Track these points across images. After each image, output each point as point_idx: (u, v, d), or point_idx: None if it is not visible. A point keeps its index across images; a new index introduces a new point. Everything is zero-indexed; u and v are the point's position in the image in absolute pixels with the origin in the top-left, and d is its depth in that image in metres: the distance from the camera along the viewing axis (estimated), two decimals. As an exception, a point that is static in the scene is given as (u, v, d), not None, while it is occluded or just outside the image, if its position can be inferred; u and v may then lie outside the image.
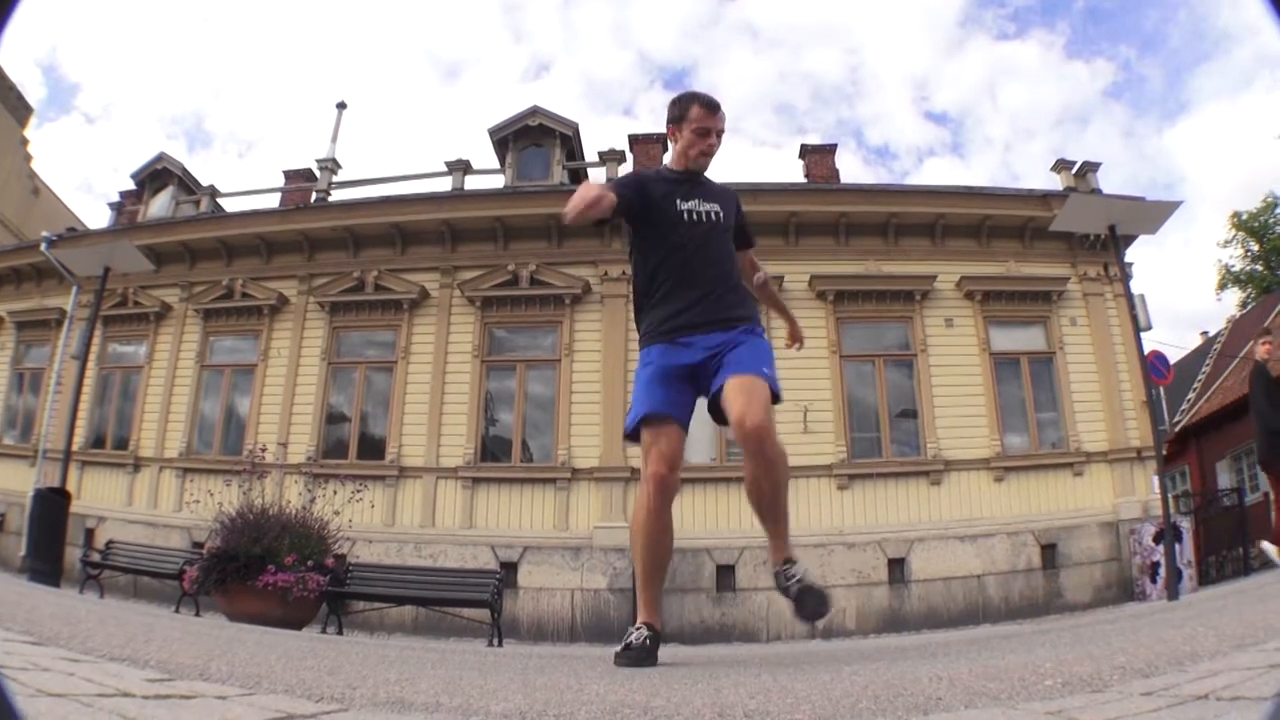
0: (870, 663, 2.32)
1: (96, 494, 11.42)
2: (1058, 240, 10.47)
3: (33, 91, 59.18)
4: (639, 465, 10.27)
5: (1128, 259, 9.72)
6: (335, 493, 7.73)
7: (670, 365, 2.68)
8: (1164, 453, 9.01)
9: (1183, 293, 51.49)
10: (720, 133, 2.85)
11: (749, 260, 3.06)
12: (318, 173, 13.12)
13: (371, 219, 11.65)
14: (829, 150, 12.89)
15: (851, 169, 66.05)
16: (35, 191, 18.06)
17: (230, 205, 13.61)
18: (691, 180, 2.84)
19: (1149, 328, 9.87)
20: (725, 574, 9.56)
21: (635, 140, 12.34)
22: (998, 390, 10.44)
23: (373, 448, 10.83)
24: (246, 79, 75.68)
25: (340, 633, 7.24)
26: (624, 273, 10.82)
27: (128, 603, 8.11)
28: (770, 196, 10.77)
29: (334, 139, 13.93)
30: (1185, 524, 10.64)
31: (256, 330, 11.69)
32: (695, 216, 2.76)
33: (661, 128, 2.92)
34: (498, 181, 12.35)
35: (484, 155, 19.65)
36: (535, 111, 12.47)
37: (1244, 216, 26.19)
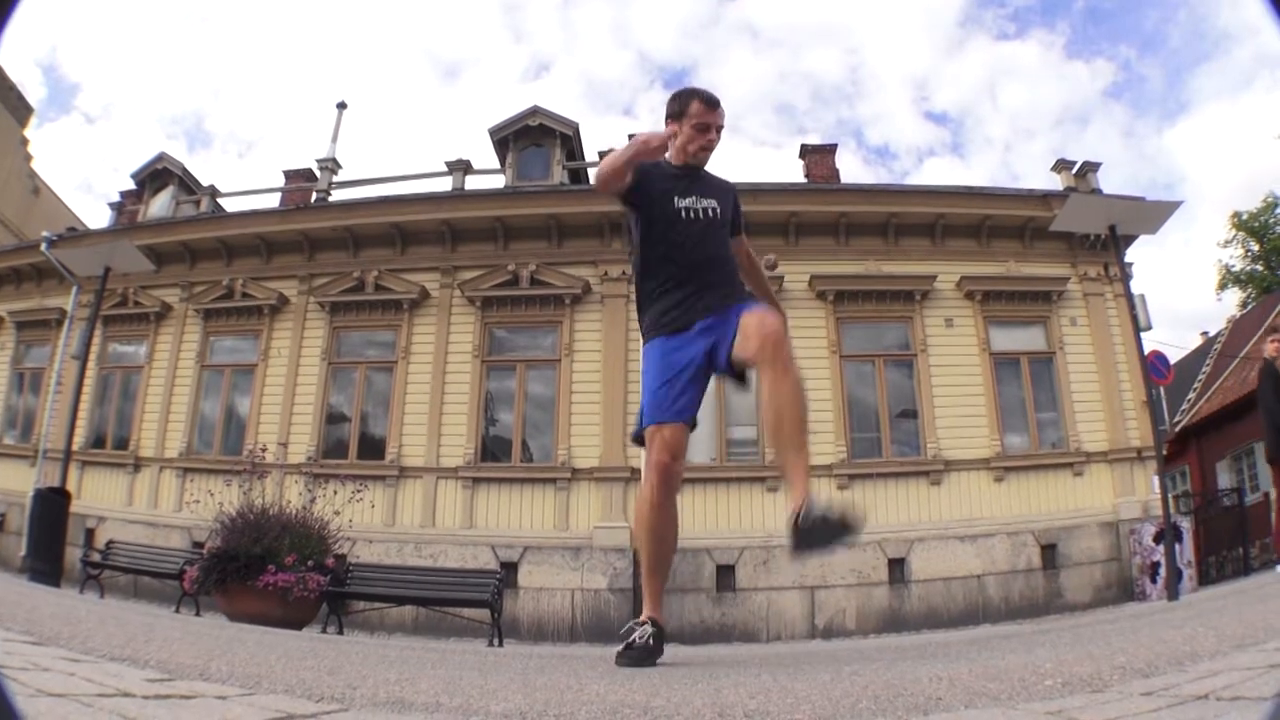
0: (870, 663, 2.32)
1: (97, 494, 11.42)
2: (1058, 240, 10.46)
3: (33, 91, 59.24)
4: (639, 465, 10.25)
5: (1128, 259, 9.72)
6: (335, 493, 7.73)
7: (673, 361, 2.70)
8: (1164, 453, 9.00)
9: (1183, 293, 51.54)
10: (720, 128, 2.89)
11: (743, 250, 3.08)
12: (318, 173, 13.12)
13: (371, 219, 11.65)
14: (829, 150, 12.89)
15: (851, 169, 66.08)
16: (35, 191, 18.06)
17: (230, 205, 13.62)
18: (690, 176, 2.87)
19: (1149, 328, 9.88)
20: (725, 574, 9.56)
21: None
22: (998, 390, 10.43)
23: (373, 448, 10.83)
24: (246, 79, 75.69)
25: (340, 633, 7.23)
26: (624, 273, 10.82)
27: (128, 603, 8.11)
28: (770, 196, 10.76)
29: (334, 139, 13.93)
30: (1185, 524, 10.65)
31: (257, 330, 11.69)
32: (692, 214, 2.79)
33: (661, 127, 2.92)
34: (498, 181, 12.35)
35: (484, 155, 19.65)
36: (535, 111, 12.47)
37: (1244, 216, 26.20)
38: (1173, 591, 6.99)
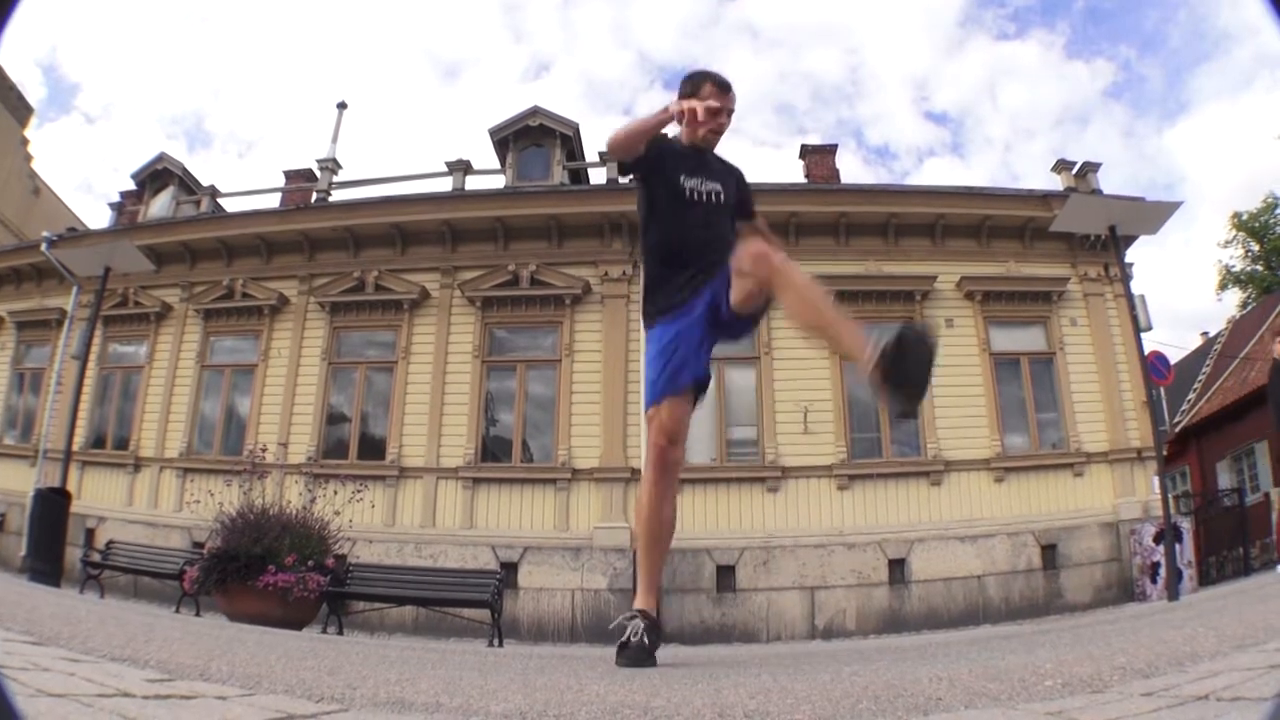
0: (870, 663, 2.32)
1: (97, 494, 11.42)
2: (1058, 240, 10.46)
3: (33, 91, 59.17)
4: (639, 466, 10.24)
5: (1128, 259, 9.72)
6: (335, 493, 7.73)
7: (671, 336, 2.67)
8: (1164, 453, 9.01)
9: (1183, 293, 51.55)
10: (731, 112, 2.90)
11: (760, 232, 3.05)
12: (318, 173, 13.12)
13: (372, 219, 11.66)
14: (829, 150, 12.90)
15: (851, 169, 66.00)
16: (35, 191, 18.07)
17: (230, 205, 13.62)
18: (698, 157, 2.87)
19: (1149, 328, 9.88)
20: (725, 574, 9.56)
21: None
22: (998, 390, 10.44)
23: (373, 448, 10.83)
24: (246, 79, 75.72)
25: (340, 633, 7.23)
26: (624, 273, 10.83)
27: (128, 603, 8.11)
28: (770, 197, 10.75)
29: (334, 139, 13.93)
30: (1185, 524, 10.66)
31: (257, 330, 11.70)
32: (698, 195, 2.79)
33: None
34: (498, 182, 12.35)
35: (484, 155, 19.63)
36: (535, 112, 12.47)
37: (1244, 217, 26.21)
38: (1173, 592, 7.00)
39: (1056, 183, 11.57)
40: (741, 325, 2.71)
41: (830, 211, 10.99)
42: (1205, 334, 22.98)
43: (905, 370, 2.10)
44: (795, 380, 10.29)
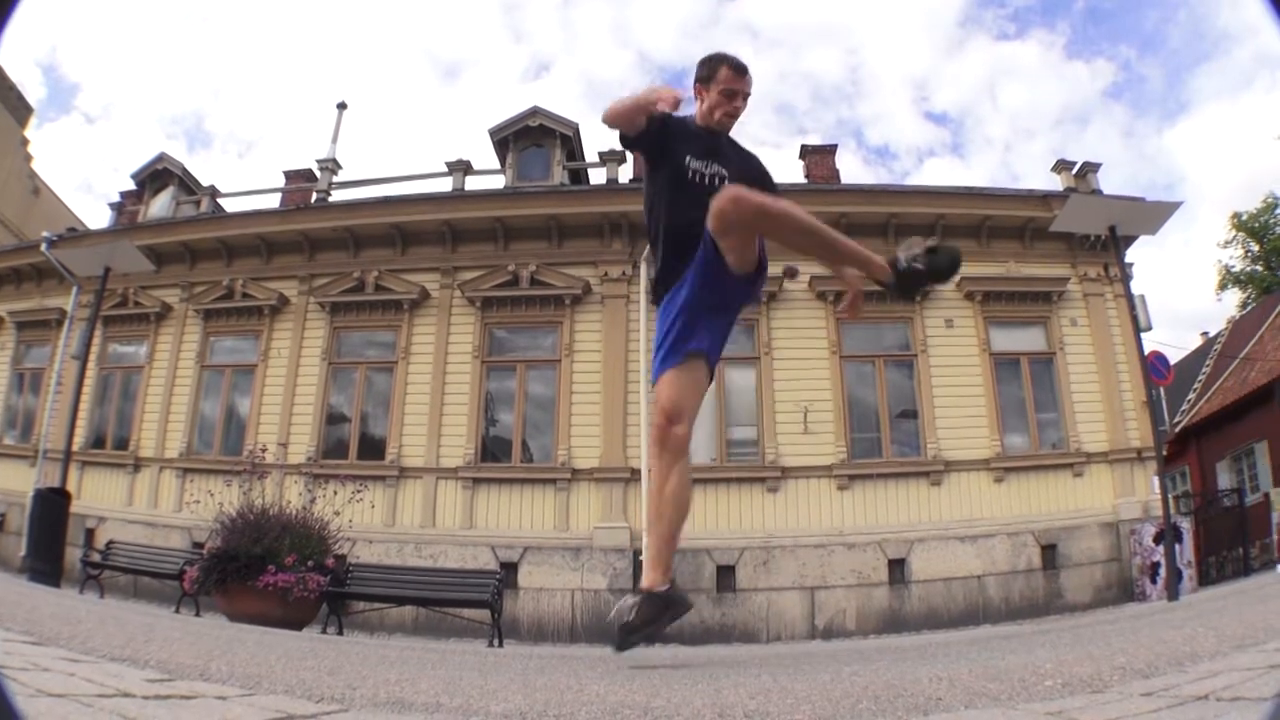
0: (870, 663, 2.32)
1: (96, 494, 11.42)
2: (1058, 241, 10.47)
3: (33, 91, 59.14)
4: (639, 466, 10.23)
5: (1128, 259, 9.72)
6: (335, 493, 7.73)
7: (669, 308, 2.66)
8: (1164, 453, 9.01)
9: (1183, 293, 51.54)
10: (747, 96, 2.85)
11: None
12: (318, 173, 13.13)
13: (372, 219, 11.66)
14: (829, 151, 12.91)
15: (851, 169, 65.92)
16: (35, 191, 18.08)
17: (230, 205, 13.63)
18: (711, 140, 2.83)
19: (1149, 328, 9.88)
20: (725, 574, 9.56)
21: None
22: (998, 391, 10.44)
23: (373, 448, 10.83)
24: (246, 79, 75.70)
25: (340, 633, 7.24)
26: (624, 273, 10.84)
27: (128, 603, 8.11)
28: (770, 197, 10.76)
29: (334, 139, 13.95)
30: (1185, 524, 10.66)
31: (257, 330, 11.70)
32: (701, 178, 2.75)
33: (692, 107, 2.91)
34: (498, 182, 12.35)
35: (484, 155, 19.62)
36: (535, 112, 12.47)
37: (1244, 217, 26.20)
38: (1173, 592, 7.00)
39: (1056, 183, 11.58)
40: (744, 289, 2.65)
41: (830, 212, 10.87)
42: (1205, 334, 23.01)
43: (938, 265, 2.50)
44: (795, 380, 10.29)
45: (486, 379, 10.91)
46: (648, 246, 2.86)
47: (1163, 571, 8.43)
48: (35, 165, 18.36)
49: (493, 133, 12.52)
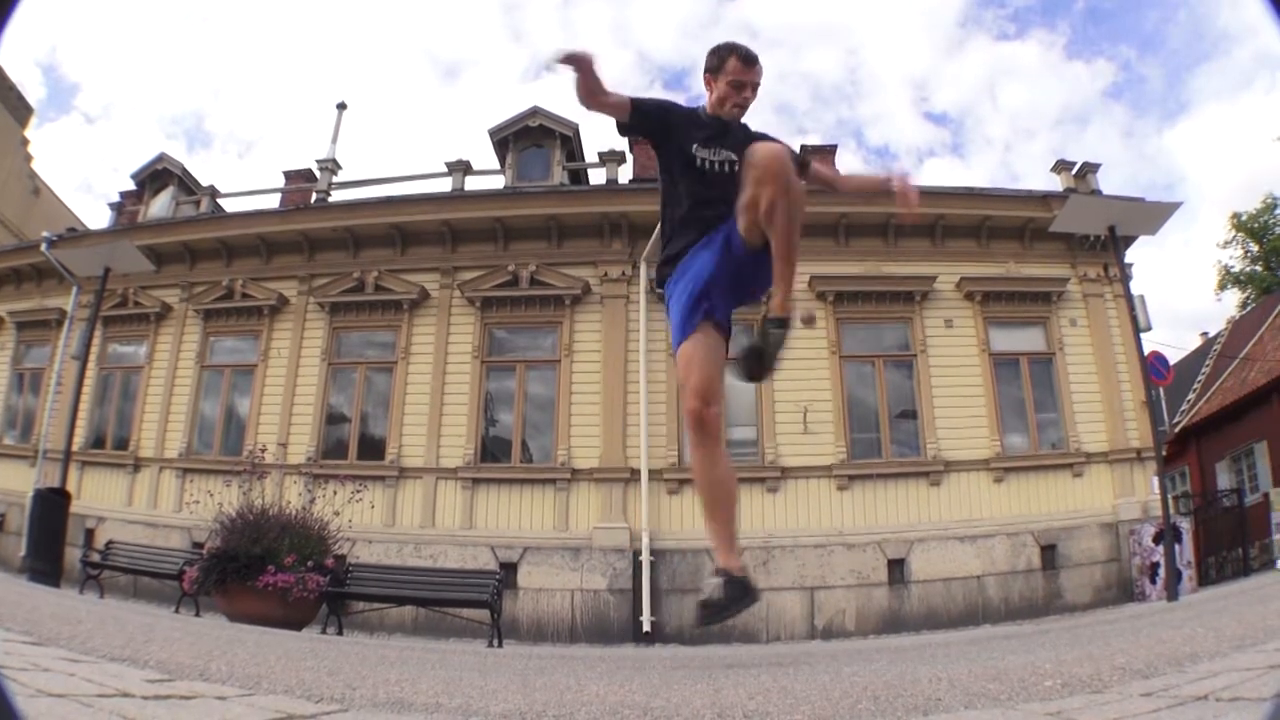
0: (870, 664, 2.32)
1: (96, 494, 11.42)
2: (1058, 241, 10.46)
3: (33, 91, 59.11)
4: (639, 466, 10.20)
5: (1127, 259, 9.72)
6: (335, 493, 7.73)
7: (685, 282, 2.66)
8: (1164, 453, 9.01)
9: (1183, 293, 51.52)
10: (756, 86, 2.87)
11: (821, 169, 3.13)
12: (318, 173, 13.13)
13: (371, 219, 11.65)
14: (829, 151, 12.90)
15: (851, 169, 65.84)
16: (35, 191, 18.07)
17: (230, 205, 13.63)
18: (720, 127, 2.83)
19: (1149, 328, 9.88)
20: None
21: (636, 141, 12.34)
22: (997, 391, 10.44)
23: (373, 448, 10.83)
24: (246, 79, 75.68)
25: (340, 633, 7.24)
26: (624, 273, 10.83)
27: (128, 603, 8.11)
28: (770, 197, 10.75)
29: (334, 139, 13.98)
30: (1185, 525, 10.65)
31: (256, 330, 11.69)
32: (710, 165, 2.76)
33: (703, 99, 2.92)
34: (498, 182, 12.35)
35: (484, 156, 19.63)
36: (535, 112, 12.46)
37: (1244, 217, 26.20)
38: (1172, 592, 7.00)
39: (1056, 183, 11.57)
40: (757, 271, 2.61)
41: (830, 212, 10.96)
42: (1205, 334, 23.00)
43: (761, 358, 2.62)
44: (795, 380, 10.28)
45: (486, 379, 10.91)
46: (649, 244, 2.88)
47: (1162, 572, 8.43)
48: (35, 165, 18.36)
49: (492, 133, 12.52)
